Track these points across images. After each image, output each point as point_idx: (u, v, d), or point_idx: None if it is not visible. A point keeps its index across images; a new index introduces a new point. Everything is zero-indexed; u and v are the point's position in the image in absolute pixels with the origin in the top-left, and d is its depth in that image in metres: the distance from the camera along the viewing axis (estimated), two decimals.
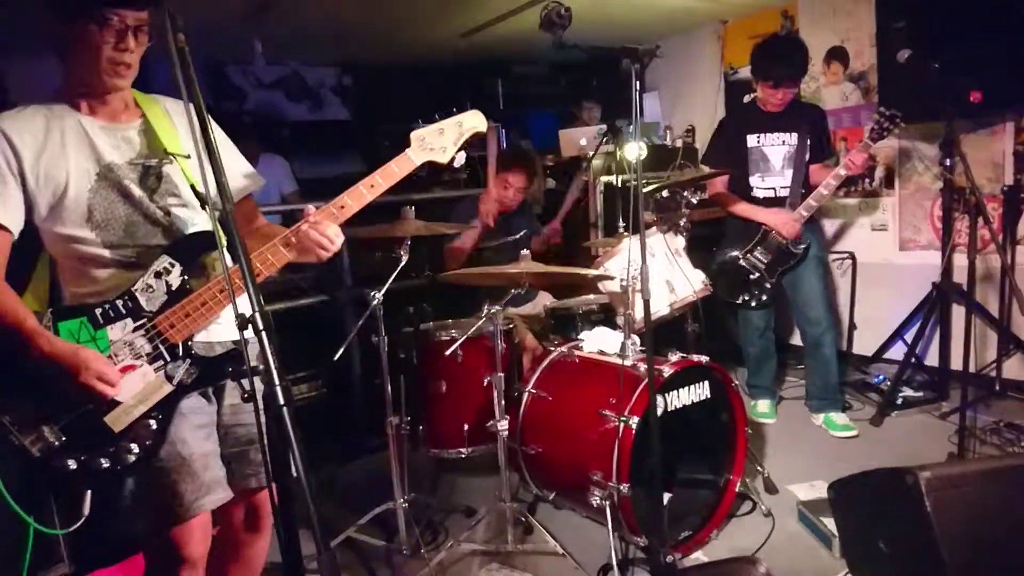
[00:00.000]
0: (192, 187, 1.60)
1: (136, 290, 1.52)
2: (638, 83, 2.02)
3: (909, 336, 3.76)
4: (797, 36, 3.46)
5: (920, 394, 3.64)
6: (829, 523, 2.36)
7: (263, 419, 1.19)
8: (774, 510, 2.62)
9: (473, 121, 1.68)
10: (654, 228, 2.82)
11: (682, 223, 2.95)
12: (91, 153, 1.52)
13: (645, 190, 2.93)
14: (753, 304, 3.45)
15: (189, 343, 1.54)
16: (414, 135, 1.64)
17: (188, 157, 1.60)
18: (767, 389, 3.70)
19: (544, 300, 3.62)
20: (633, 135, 2.08)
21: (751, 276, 3.40)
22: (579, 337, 2.82)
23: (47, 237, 1.56)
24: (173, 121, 1.64)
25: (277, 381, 1.10)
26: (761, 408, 3.67)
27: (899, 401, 3.57)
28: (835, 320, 3.71)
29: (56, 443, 1.44)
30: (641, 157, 2.15)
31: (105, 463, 1.46)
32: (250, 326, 1.11)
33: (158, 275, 1.53)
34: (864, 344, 4.25)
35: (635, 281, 2.48)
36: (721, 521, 2.55)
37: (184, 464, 1.54)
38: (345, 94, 5.64)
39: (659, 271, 2.72)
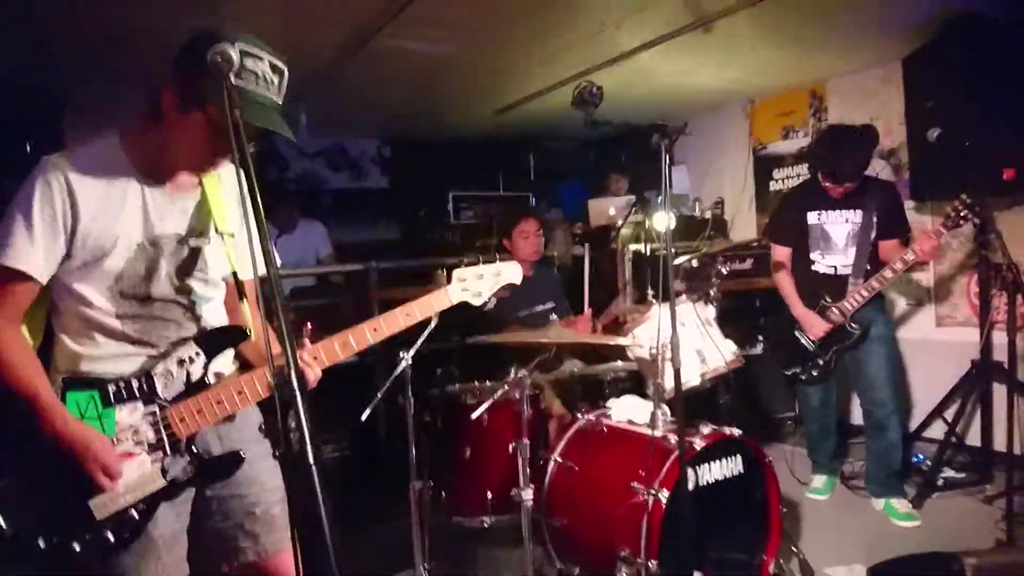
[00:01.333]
0: (234, 274, 1.57)
1: (155, 374, 1.48)
2: (667, 157, 2.08)
3: (949, 414, 3.64)
4: (867, 127, 3.36)
5: (962, 475, 3.50)
6: None
7: (289, 480, 1.22)
8: None
9: (510, 273, 1.78)
10: (683, 296, 2.83)
11: (712, 293, 2.95)
12: (143, 225, 1.49)
13: (676, 261, 2.95)
14: (803, 378, 3.35)
15: (192, 440, 1.49)
16: (456, 274, 1.72)
17: (233, 236, 1.58)
18: (825, 466, 3.59)
19: (572, 366, 3.61)
20: (662, 206, 2.12)
21: (806, 349, 3.32)
22: (607, 405, 2.79)
23: (60, 287, 1.48)
24: (224, 190, 1.62)
25: (309, 440, 1.10)
26: (815, 483, 3.56)
27: (940, 482, 3.43)
28: (902, 403, 3.53)
29: (31, 522, 1.38)
30: (671, 227, 2.19)
31: (77, 548, 1.38)
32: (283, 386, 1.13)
33: (180, 363, 1.49)
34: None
35: (665, 349, 2.47)
36: None
37: (150, 545, 1.47)
38: (384, 164, 5.85)
39: (690, 341, 2.70)
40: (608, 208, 4.79)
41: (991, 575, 1.80)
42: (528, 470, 2.42)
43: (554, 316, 2.69)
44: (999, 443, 3.56)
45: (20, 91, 3.83)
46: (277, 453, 1.42)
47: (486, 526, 2.75)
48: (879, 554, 2.14)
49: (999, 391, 3.52)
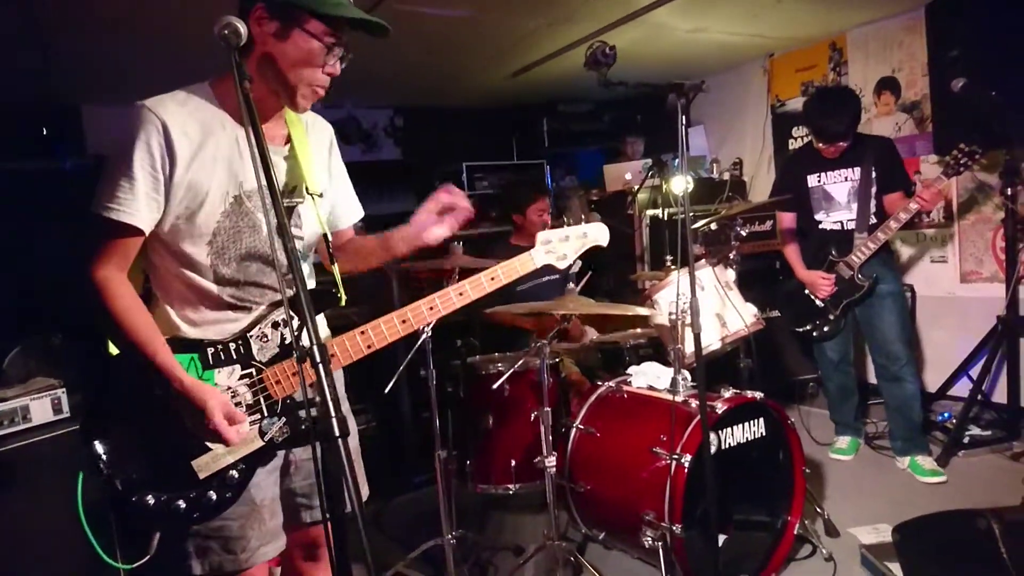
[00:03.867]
0: (324, 236, 1.57)
1: (251, 336, 1.49)
2: (684, 117, 2.03)
3: (974, 372, 3.60)
4: (846, 88, 3.42)
5: (989, 433, 3.47)
6: (895, 568, 2.24)
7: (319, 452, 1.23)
8: (835, 554, 2.51)
9: (597, 234, 1.73)
10: (703, 261, 2.80)
11: (732, 256, 2.92)
12: (237, 175, 1.45)
13: (695, 225, 2.92)
14: (815, 334, 3.42)
15: (288, 401, 1.50)
16: (540, 236, 1.69)
17: (322, 196, 1.58)
18: (849, 426, 3.60)
19: (590, 334, 3.61)
20: (679, 169, 2.08)
21: (816, 305, 3.37)
22: (627, 372, 2.79)
23: (160, 248, 1.47)
24: (311, 147, 1.59)
25: (333, 413, 1.11)
26: (839, 444, 3.58)
27: (966, 440, 3.41)
28: (915, 356, 3.56)
29: (140, 478, 1.42)
30: (688, 190, 2.15)
31: (183, 506, 1.43)
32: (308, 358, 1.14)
33: (275, 326, 1.50)
34: (926, 380, 4.09)
35: (684, 315, 2.45)
36: (780, 565, 2.45)
37: (255, 510, 1.51)
38: (397, 135, 5.81)
39: (709, 304, 2.69)
40: (624, 173, 4.73)
41: (1019, 532, 1.78)
42: (550, 437, 2.44)
43: (571, 285, 2.68)
44: None
45: (39, 78, 3.84)
46: (303, 428, 1.45)
47: (511, 493, 2.78)
48: (905, 513, 2.14)
49: None
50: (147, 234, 1.42)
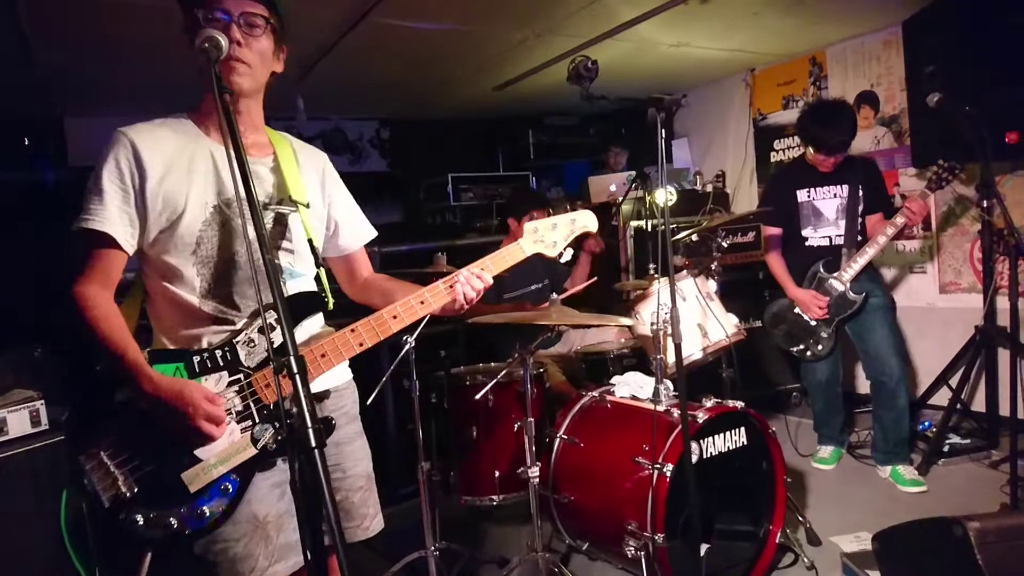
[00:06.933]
0: (309, 241, 1.57)
1: (237, 343, 1.46)
2: (664, 131, 2.07)
3: (954, 381, 3.65)
4: (844, 101, 3.45)
5: (968, 441, 3.50)
6: None
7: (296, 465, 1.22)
8: (817, 563, 2.53)
9: (585, 220, 1.70)
10: (684, 272, 2.82)
11: (713, 267, 2.95)
12: (215, 184, 1.46)
13: (675, 237, 2.94)
14: (809, 354, 3.39)
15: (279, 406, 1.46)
16: (527, 226, 1.66)
17: (308, 206, 1.58)
18: (833, 438, 3.61)
19: (573, 340, 3.62)
20: (661, 181, 2.10)
21: (808, 325, 3.36)
22: (611, 382, 2.80)
23: (150, 270, 1.50)
24: (300, 165, 1.61)
25: (310, 423, 1.11)
26: (821, 454, 3.59)
27: (946, 449, 3.44)
28: (908, 370, 3.58)
29: (128, 494, 1.36)
30: (670, 202, 2.18)
31: (174, 523, 1.36)
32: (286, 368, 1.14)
33: (262, 331, 1.47)
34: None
35: (666, 325, 2.47)
36: (762, 574, 2.46)
37: (258, 527, 1.44)
38: (383, 146, 5.83)
39: (691, 315, 2.71)
40: (609, 185, 4.77)
41: (995, 539, 1.81)
42: (534, 448, 2.44)
43: (554, 295, 2.69)
44: (1004, 408, 3.57)
45: (22, 88, 3.82)
46: (280, 438, 1.44)
47: (495, 504, 2.78)
48: (885, 522, 2.15)
49: (1004, 356, 3.52)
50: (126, 249, 1.42)
